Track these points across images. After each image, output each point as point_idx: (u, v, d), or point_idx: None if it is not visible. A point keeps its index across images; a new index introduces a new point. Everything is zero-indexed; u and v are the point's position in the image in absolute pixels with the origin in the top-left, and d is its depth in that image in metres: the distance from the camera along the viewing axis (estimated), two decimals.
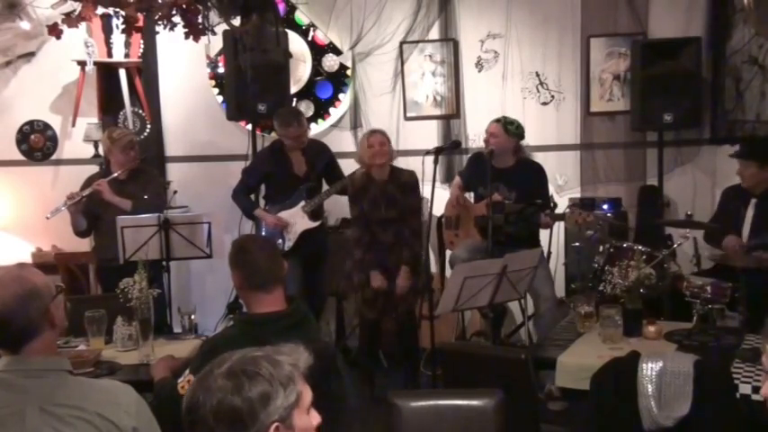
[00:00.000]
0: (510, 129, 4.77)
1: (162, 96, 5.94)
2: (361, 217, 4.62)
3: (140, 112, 5.93)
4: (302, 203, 4.97)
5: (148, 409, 2.03)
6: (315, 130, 5.79)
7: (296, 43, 5.77)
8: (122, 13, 4.08)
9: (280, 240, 4.94)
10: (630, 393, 2.81)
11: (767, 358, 1.69)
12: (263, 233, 5.00)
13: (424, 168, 4.73)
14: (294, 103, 5.70)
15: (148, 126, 5.95)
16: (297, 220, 4.97)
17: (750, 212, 4.53)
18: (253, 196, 5.24)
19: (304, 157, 5.02)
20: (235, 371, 1.44)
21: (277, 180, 5.06)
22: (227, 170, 5.83)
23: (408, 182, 4.62)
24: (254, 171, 5.18)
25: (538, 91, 5.76)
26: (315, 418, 1.53)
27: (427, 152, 4.55)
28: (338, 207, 5.42)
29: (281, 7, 5.64)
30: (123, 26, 4.23)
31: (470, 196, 5.05)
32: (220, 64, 5.77)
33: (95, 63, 5.62)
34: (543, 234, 4.89)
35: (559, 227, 5.18)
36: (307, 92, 5.90)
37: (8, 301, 1.90)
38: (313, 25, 5.86)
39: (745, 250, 4.30)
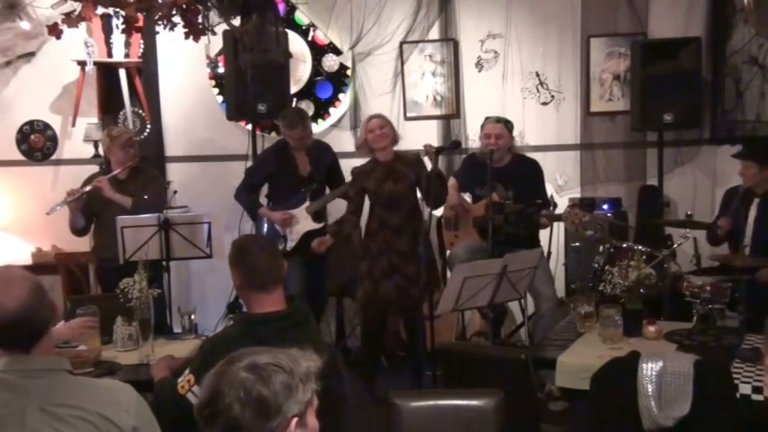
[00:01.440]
0: (510, 127, 4.79)
1: (162, 96, 5.93)
2: (355, 197, 4.64)
3: (140, 112, 5.93)
4: (306, 204, 4.97)
5: (148, 409, 2.03)
6: (315, 130, 5.77)
7: (296, 43, 5.77)
8: (122, 13, 4.08)
9: (282, 241, 4.94)
10: (630, 393, 2.81)
11: None
12: (264, 233, 5.00)
13: None
14: (294, 104, 5.70)
15: (148, 126, 5.95)
16: (300, 220, 4.98)
17: (753, 213, 4.54)
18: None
19: (308, 157, 5.02)
20: (258, 364, 1.46)
21: (281, 180, 5.06)
22: (227, 170, 5.84)
23: (415, 160, 4.65)
24: (258, 170, 5.18)
25: (538, 91, 5.76)
26: (314, 420, 1.54)
27: (427, 152, 4.55)
28: (339, 207, 5.41)
29: (281, 7, 5.64)
30: (123, 26, 4.23)
31: (467, 197, 5.06)
32: (220, 64, 5.77)
33: (95, 63, 5.62)
34: (543, 234, 4.89)
35: (559, 227, 5.18)
36: (307, 92, 5.90)
37: (27, 299, 1.88)
38: (313, 25, 5.86)
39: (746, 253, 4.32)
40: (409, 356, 4.85)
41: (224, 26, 4.78)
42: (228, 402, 1.42)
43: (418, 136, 5.72)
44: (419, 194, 4.68)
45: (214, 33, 4.68)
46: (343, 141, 5.84)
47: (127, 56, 5.81)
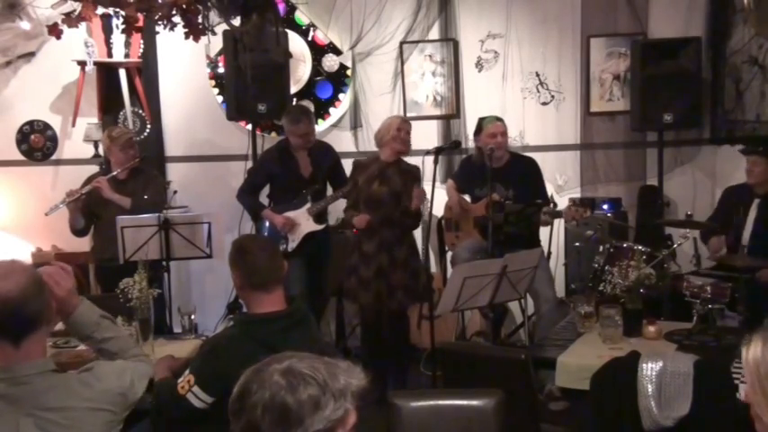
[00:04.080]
0: (506, 125, 4.82)
1: (162, 96, 5.93)
2: (351, 192, 4.66)
3: (140, 112, 5.93)
4: (308, 205, 4.96)
5: (128, 371, 2.09)
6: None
7: (296, 43, 5.77)
8: (122, 13, 4.08)
9: (283, 241, 4.94)
10: (630, 393, 2.81)
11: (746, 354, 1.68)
12: (266, 233, 5.00)
13: (424, 168, 4.75)
14: (294, 104, 5.70)
15: (148, 126, 5.95)
16: (302, 221, 4.97)
17: (753, 213, 4.51)
18: None
19: (310, 158, 5.02)
20: (293, 370, 1.43)
21: (283, 181, 5.05)
22: (227, 170, 5.84)
23: (410, 170, 4.66)
24: (260, 171, 5.17)
25: (538, 91, 5.76)
26: None
27: (427, 152, 4.55)
28: (339, 207, 5.41)
29: (281, 7, 5.63)
30: (123, 26, 4.22)
31: (467, 198, 5.06)
32: (220, 64, 5.77)
33: (95, 63, 5.62)
34: (543, 234, 4.89)
35: (559, 227, 5.18)
36: (307, 92, 5.90)
37: (24, 286, 1.89)
38: (313, 25, 5.86)
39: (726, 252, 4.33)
40: (392, 357, 4.78)
41: (224, 26, 4.77)
42: (254, 402, 1.41)
43: (418, 136, 5.73)
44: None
45: (214, 33, 4.67)
46: (344, 141, 5.84)
47: (127, 56, 5.81)
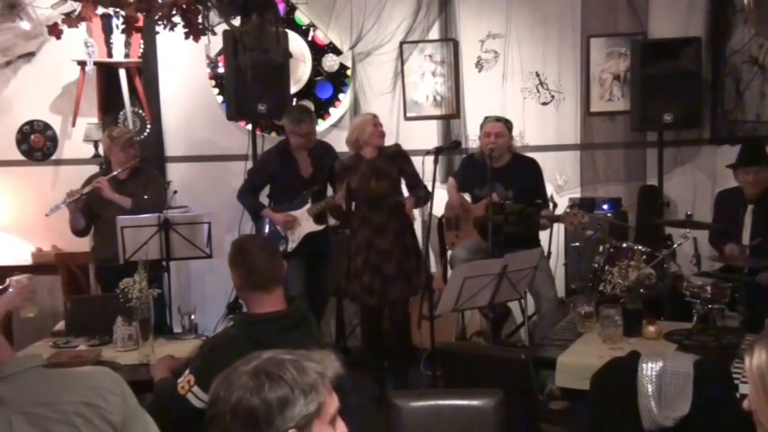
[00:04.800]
0: (509, 126, 4.81)
1: (162, 96, 5.93)
2: (346, 195, 4.63)
3: (140, 112, 5.93)
4: (308, 206, 4.97)
5: (129, 389, 2.03)
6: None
7: (296, 43, 5.77)
8: (122, 13, 4.08)
9: (283, 242, 4.94)
10: (630, 393, 2.80)
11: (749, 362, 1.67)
12: (266, 234, 5.00)
13: (424, 168, 4.74)
14: (294, 104, 5.70)
15: (148, 126, 5.95)
16: (302, 222, 4.98)
17: (748, 219, 4.46)
18: None
19: (310, 158, 5.02)
20: (259, 371, 1.41)
21: (283, 181, 5.06)
22: (227, 170, 5.84)
23: (397, 152, 4.66)
24: (260, 171, 5.18)
25: (538, 91, 5.76)
26: (340, 429, 1.48)
27: (427, 152, 4.56)
28: None
29: (281, 7, 5.63)
30: (123, 26, 4.22)
31: (467, 197, 5.06)
32: (220, 64, 5.77)
33: (95, 63, 5.62)
34: (543, 234, 4.90)
35: (559, 227, 5.18)
36: (307, 92, 5.90)
37: None
38: (313, 25, 5.86)
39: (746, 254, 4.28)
40: (393, 357, 4.78)
41: (224, 26, 4.77)
42: (222, 409, 1.40)
43: (418, 136, 5.75)
44: (405, 192, 4.71)
45: (214, 33, 4.68)
46: (344, 141, 5.82)
47: (127, 56, 5.81)
